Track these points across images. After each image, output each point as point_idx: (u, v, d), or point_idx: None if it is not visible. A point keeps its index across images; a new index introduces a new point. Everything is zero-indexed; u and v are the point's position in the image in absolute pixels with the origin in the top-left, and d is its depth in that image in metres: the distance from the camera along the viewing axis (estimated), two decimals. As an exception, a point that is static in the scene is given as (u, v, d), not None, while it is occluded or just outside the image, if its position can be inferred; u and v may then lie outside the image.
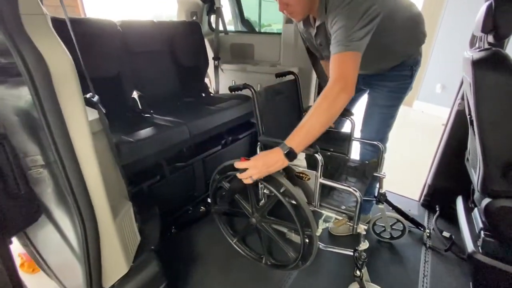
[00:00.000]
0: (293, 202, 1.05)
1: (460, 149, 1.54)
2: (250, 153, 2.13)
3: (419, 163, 2.18)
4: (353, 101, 1.46)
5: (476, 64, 0.95)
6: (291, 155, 0.92)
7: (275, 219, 1.18)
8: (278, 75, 1.42)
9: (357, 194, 0.94)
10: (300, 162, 1.05)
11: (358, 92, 1.40)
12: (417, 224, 1.56)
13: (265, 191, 1.24)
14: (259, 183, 1.14)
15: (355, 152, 1.48)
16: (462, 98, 1.48)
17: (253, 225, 1.24)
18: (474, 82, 0.96)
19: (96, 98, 0.88)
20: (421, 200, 1.88)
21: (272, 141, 1.01)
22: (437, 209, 1.73)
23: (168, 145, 1.43)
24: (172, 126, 1.49)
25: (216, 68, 2.25)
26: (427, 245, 1.52)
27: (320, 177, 1.00)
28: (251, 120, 2.12)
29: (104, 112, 0.91)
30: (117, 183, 0.96)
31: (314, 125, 0.90)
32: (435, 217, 1.69)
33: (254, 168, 0.96)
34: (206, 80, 2.36)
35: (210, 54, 2.26)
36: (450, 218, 1.68)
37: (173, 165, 1.52)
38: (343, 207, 1.04)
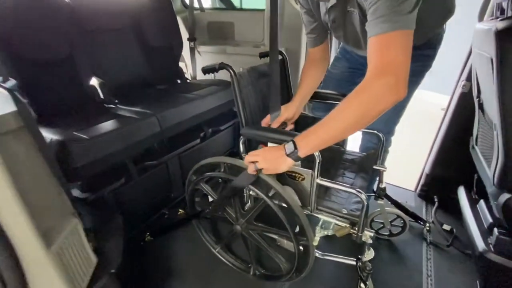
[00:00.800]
0: (285, 205, 0.87)
1: (462, 136, 1.41)
2: (235, 146, 1.92)
3: (413, 151, 2.06)
4: (354, 83, 1.27)
5: (503, 35, 0.78)
6: (290, 147, 0.75)
7: (264, 226, 0.99)
8: (263, 55, 1.21)
9: (363, 196, 0.77)
10: (293, 159, 0.86)
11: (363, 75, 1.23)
12: (418, 219, 1.44)
13: (251, 192, 1.04)
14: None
15: (351, 143, 1.31)
16: (467, 79, 1.33)
17: (237, 233, 1.05)
18: (499, 57, 0.79)
19: (10, 84, 0.63)
20: (417, 191, 1.77)
21: (258, 134, 0.81)
22: (436, 200, 1.62)
23: (134, 141, 1.20)
24: (139, 118, 1.25)
25: (192, 50, 1.99)
26: (428, 240, 1.41)
27: (317, 177, 0.81)
28: (233, 108, 1.90)
29: (27, 102, 0.67)
30: (56, 197, 0.73)
31: (336, 126, 0.70)
32: (434, 209, 1.58)
33: (265, 162, 0.80)
34: (182, 64, 2.09)
35: (185, 34, 1.98)
36: (450, 209, 1.58)
37: (142, 164, 1.29)
38: (344, 211, 0.87)
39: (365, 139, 1.30)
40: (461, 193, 1.44)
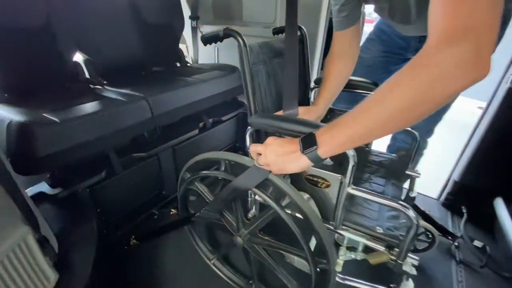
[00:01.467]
0: (299, 215, 0.67)
1: (505, 139, 1.20)
2: (238, 140, 1.72)
3: (438, 154, 1.85)
4: (388, 72, 1.06)
5: None
6: (307, 141, 0.54)
7: (272, 240, 0.79)
8: (277, 31, 0.99)
9: (412, 214, 0.57)
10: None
11: (402, 61, 1.01)
12: (446, 233, 1.24)
13: (257, 197, 0.85)
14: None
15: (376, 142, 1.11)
16: (518, 72, 1.12)
17: (238, 245, 0.86)
18: None
19: None
20: (441, 199, 1.56)
21: (271, 123, 0.60)
22: (464, 211, 1.42)
23: (117, 128, 1.00)
24: (125, 102, 1.05)
25: (194, 30, 1.77)
26: (458, 259, 1.21)
27: (349, 185, 0.61)
28: (238, 97, 1.70)
29: None
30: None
31: (378, 116, 0.46)
32: (463, 221, 1.38)
33: (270, 157, 0.60)
34: (182, 46, 1.88)
35: (186, 12, 1.76)
36: (481, 223, 1.38)
37: (128, 156, 1.09)
38: (379, 230, 0.67)
39: (396, 138, 1.09)
40: (499, 205, 1.24)
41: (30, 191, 0.90)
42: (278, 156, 0.58)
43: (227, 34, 0.66)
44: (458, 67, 0.40)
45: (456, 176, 1.46)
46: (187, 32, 1.83)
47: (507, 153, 1.19)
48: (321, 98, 0.87)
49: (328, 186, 0.65)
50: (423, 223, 1.14)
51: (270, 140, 0.61)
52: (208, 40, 0.69)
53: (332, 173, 0.63)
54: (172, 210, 1.31)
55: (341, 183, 0.62)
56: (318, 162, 0.54)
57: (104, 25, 1.37)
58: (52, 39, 1.17)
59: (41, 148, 0.81)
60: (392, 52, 0.99)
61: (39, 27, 1.12)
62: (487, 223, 1.34)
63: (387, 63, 1.01)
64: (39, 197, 0.87)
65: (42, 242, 0.64)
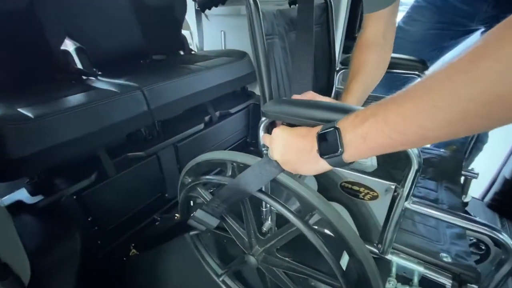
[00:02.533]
0: (330, 233, 0.50)
1: None
2: (249, 135, 1.54)
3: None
4: (440, 48, 0.84)
5: None
6: (329, 142, 0.35)
7: (294, 261, 0.62)
8: (293, 1, 0.81)
9: (509, 242, 0.38)
10: (363, 159, 0.47)
11: (462, 34, 0.79)
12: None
13: (273, 208, 0.67)
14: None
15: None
16: None
17: (251, 266, 0.69)
18: None
19: None
20: (486, 199, 1.34)
21: (291, 111, 0.43)
22: (518, 214, 1.20)
23: (107, 124, 0.85)
24: (117, 93, 0.89)
25: (198, 13, 1.60)
26: (515, 274, 1.00)
27: (408, 198, 0.43)
28: (248, 88, 1.52)
29: None
30: None
31: (436, 100, 0.25)
32: (518, 227, 1.16)
33: (282, 150, 0.43)
34: (186, 33, 1.71)
35: (189, -7, 1.59)
36: (540, 228, 1.16)
37: (122, 156, 0.95)
38: (446, 257, 0.48)
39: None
40: None
41: (6, 199, 0.77)
42: (288, 152, 0.42)
43: (231, -9, 0.49)
44: None
45: (506, 173, 1.23)
46: (190, 17, 1.66)
47: None
48: (351, 94, 0.61)
49: (374, 197, 0.47)
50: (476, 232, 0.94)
51: (277, 131, 0.43)
52: (206, 3, 0.51)
53: (383, 181, 0.44)
54: (176, 215, 1.16)
55: (394, 195, 0.44)
56: (341, 166, 0.37)
57: (96, 9, 1.22)
58: (36, 24, 1.03)
59: (13, 150, 0.67)
60: (450, 23, 0.77)
61: (21, 10, 0.98)
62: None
63: (441, 38, 0.80)
64: (15, 207, 0.74)
65: (0, 273, 0.49)
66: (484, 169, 1.32)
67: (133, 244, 1.03)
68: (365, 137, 0.32)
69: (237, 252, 0.79)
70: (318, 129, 0.38)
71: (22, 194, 0.78)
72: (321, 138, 0.36)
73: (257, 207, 0.70)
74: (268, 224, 0.71)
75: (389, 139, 0.30)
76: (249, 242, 0.68)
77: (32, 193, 0.78)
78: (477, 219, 0.41)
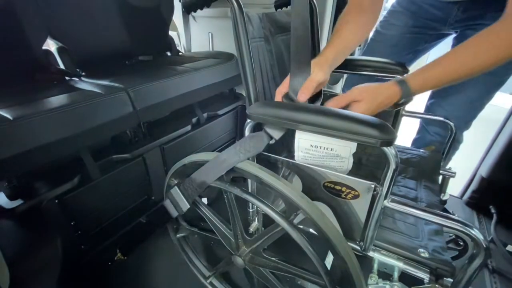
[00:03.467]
0: (314, 232, 0.51)
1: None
2: (237, 137, 1.55)
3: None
4: (415, 52, 0.88)
5: None
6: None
7: (280, 261, 0.63)
8: (280, 4, 0.82)
9: (479, 237, 0.40)
10: (339, 161, 0.49)
11: (435, 38, 0.84)
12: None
13: (259, 209, 0.68)
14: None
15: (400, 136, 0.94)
16: None
17: (238, 266, 0.70)
18: None
19: None
20: (465, 197, 1.40)
21: (278, 114, 0.43)
22: (493, 211, 1.26)
23: (90, 126, 0.83)
24: (101, 94, 0.88)
25: (185, 15, 1.59)
26: (490, 268, 1.05)
27: (386, 196, 0.45)
28: (236, 89, 1.52)
29: None
30: None
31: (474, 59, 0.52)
32: (493, 223, 1.22)
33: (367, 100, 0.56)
34: (174, 34, 1.70)
35: (176, -6, 1.58)
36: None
37: (107, 158, 0.93)
38: (423, 253, 0.50)
39: (428, 130, 0.92)
40: (539, 206, 1.08)
41: (-17, 204, 0.74)
42: (377, 96, 0.56)
43: (216, -7, 0.49)
44: None
45: (483, 172, 1.29)
46: (177, 18, 1.65)
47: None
48: (331, 48, 0.63)
49: (355, 196, 0.49)
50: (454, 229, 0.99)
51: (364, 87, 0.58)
52: (192, 4, 0.52)
53: (363, 180, 0.46)
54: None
55: (374, 193, 0.46)
56: (407, 96, 0.58)
57: (80, 8, 1.19)
58: (16, 23, 1.00)
59: (-6, 152, 0.65)
60: (424, 27, 0.81)
61: (-2, 8, 0.94)
62: (521, 225, 1.19)
63: (416, 41, 0.83)
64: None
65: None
66: (463, 169, 1.39)
67: (118, 248, 1.01)
68: (424, 77, 0.56)
69: (224, 254, 0.79)
70: (395, 84, 0.57)
71: None
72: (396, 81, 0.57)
73: (244, 208, 0.71)
74: (255, 225, 0.72)
75: (439, 79, 0.56)
76: (236, 243, 0.68)
77: (11, 197, 0.75)
78: (452, 216, 0.43)
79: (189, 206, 0.66)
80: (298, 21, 0.54)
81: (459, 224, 0.41)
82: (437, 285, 0.46)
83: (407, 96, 0.57)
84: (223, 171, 0.55)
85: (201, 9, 0.53)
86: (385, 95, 0.56)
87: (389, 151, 0.40)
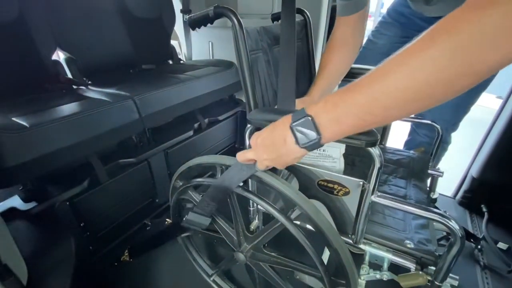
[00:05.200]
0: (310, 228, 0.56)
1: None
2: (237, 141, 1.60)
3: (452, 148, 1.75)
4: None
5: None
6: (306, 132, 0.39)
7: (279, 256, 0.68)
8: (276, 17, 0.89)
9: (455, 226, 0.45)
10: (331, 162, 0.54)
11: None
12: (469, 236, 1.13)
13: (259, 206, 0.73)
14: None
15: (391, 138, 1.00)
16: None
17: (240, 262, 0.74)
18: None
19: None
20: (458, 197, 1.45)
21: (274, 119, 0.49)
22: (485, 210, 1.30)
23: (100, 132, 0.88)
24: (109, 102, 0.93)
25: (186, 25, 1.66)
26: (482, 264, 1.10)
27: (373, 192, 0.50)
28: (236, 95, 1.58)
29: None
30: None
31: (397, 82, 0.32)
32: (484, 221, 1.27)
33: (254, 147, 0.49)
34: (175, 43, 1.76)
35: (177, 6, 1.65)
36: (504, 222, 1.27)
37: (114, 162, 0.98)
38: (409, 244, 0.55)
39: (417, 132, 0.98)
40: (526, 203, 1.13)
41: (0, 206, 0.79)
42: (271, 151, 0.46)
43: (219, 13, 0.55)
44: (507, 27, 0.26)
45: (474, 172, 1.34)
46: (179, 28, 1.72)
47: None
48: (316, 88, 0.72)
49: (346, 193, 0.54)
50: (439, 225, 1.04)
51: (257, 134, 0.49)
52: (196, 22, 0.57)
53: (352, 178, 0.51)
54: (167, 219, 1.20)
55: (363, 190, 0.51)
56: (318, 148, 0.41)
57: (86, 20, 1.25)
58: (27, 35, 1.06)
59: (9, 158, 0.70)
60: (413, 37, 0.88)
61: (11, 22, 1.00)
62: (511, 222, 1.23)
63: None
64: (9, 214, 0.76)
65: (2, 274, 0.52)
66: (456, 169, 1.44)
67: (127, 250, 1.05)
68: (339, 120, 0.37)
69: (226, 253, 0.83)
70: (289, 120, 0.41)
71: (14, 201, 0.80)
72: (296, 129, 0.40)
73: (245, 208, 0.76)
74: (255, 223, 0.76)
75: (360, 120, 0.36)
76: (238, 240, 0.73)
77: (26, 199, 0.80)
78: (431, 208, 0.48)
79: (210, 220, 0.70)
80: (285, 53, 0.59)
81: (438, 216, 0.46)
82: (421, 272, 0.51)
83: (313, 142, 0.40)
84: (244, 178, 0.57)
85: (205, 25, 0.59)
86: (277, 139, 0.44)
87: (374, 151, 0.45)
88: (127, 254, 1.06)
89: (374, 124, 0.37)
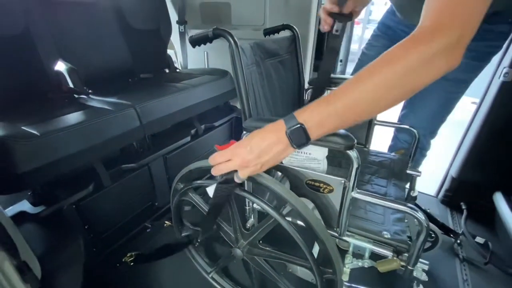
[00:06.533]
0: (300, 223, 0.64)
1: (502, 134, 1.20)
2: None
3: (434, 150, 1.85)
4: None
5: None
6: (299, 136, 0.49)
7: (273, 250, 0.75)
8: (268, 32, 0.97)
9: (421, 217, 0.53)
10: (316, 163, 0.62)
11: None
12: (448, 231, 1.21)
13: (255, 205, 0.80)
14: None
15: (375, 141, 1.08)
16: (511, 66, 1.12)
17: (238, 258, 0.81)
18: None
19: None
20: (440, 196, 1.55)
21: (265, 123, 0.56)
22: (464, 207, 1.40)
23: (104, 139, 0.94)
24: (112, 111, 0.99)
25: (182, 35, 1.74)
26: (461, 257, 1.19)
27: (353, 189, 0.58)
28: (231, 102, 1.66)
29: None
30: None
31: (363, 96, 0.45)
32: (463, 218, 1.36)
33: (238, 156, 0.54)
34: (171, 52, 1.83)
35: (173, 17, 1.72)
36: (481, 218, 1.37)
37: (116, 167, 1.03)
38: (387, 235, 0.63)
39: (398, 138, 1.07)
40: (499, 200, 1.23)
41: (9, 210, 0.84)
42: (259, 153, 0.52)
43: (217, 34, 0.62)
44: (439, 55, 0.41)
45: (453, 172, 1.45)
46: (175, 38, 1.79)
47: (503, 147, 1.19)
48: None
49: (331, 191, 0.61)
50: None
51: (237, 144, 0.56)
52: (196, 41, 0.65)
53: (335, 177, 0.59)
54: (166, 222, 1.25)
55: (344, 187, 0.59)
56: (302, 143, 0.50)
57: (87, 32, 1.32)
58: (31, 47, 1.11)
59: (20, 164, 0.75)
60: None
61: (17, 35, 1.06)
62: (487, 218, 1.33)
63: None
64: (20, 217, 0.81)
65: (22, 269, 0.58)
66: (441, 170, 1.54)
67: (128, 255, 1.09)
68: (323, 125, 0.48)
69: (224, 251, 0.89)
70: (282, 126, 0.50)
71: (24, 205, 0.85)
72: (290, 134, 0.49)
73: (242, 207, 0.82)
74: (251, 221, 0.83)
75: (338, 125, 0.49)
76: (235, 237, 0.80)
77: (35, 203, 0.84)
78: (402, 202, 0.56)
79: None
80: None
81: (407, 208, 0.54)
82: (395, 258, 0.59)
83: (301, 140, 0.49)
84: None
85: (204, 44, 0.66)
86: (269, 141, 0.51)
87: (352, 153, 0.53)
88: (129, 256, 1.10)
89: (349, 125, 0.49)
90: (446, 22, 0.41)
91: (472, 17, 0.41)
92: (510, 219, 1.10)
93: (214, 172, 0.60)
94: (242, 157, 0.53)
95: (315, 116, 0.48)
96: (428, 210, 1.19)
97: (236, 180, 0.58)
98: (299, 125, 0.48)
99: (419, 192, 1.56)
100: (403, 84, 0.43)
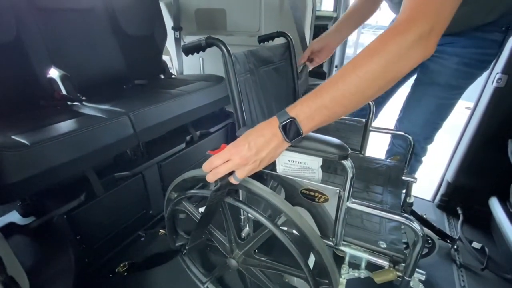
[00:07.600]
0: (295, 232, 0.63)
1: (496, 139, 1.20)
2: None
3: (430, 155, 1.85)
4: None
5: None
6: (291, 130, 0.52)
7: (268, 260, 0.73)
8: (262, 39, 0.97)
9: (417, 227, 0.53)
10: (311, 172, 0.61)
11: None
12: (445, 236, 1.21)
13: (249, 215, 0.79)
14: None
15: (371, 148, 1.08)
16: (504, 72, 1.13)
17: (233, 268, 0.79)
18: None
19: None
20: (436, 201, 1.55)
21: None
22: (460, 212, 1.40)
23: (96, 147, 0.92)
24: (105, 119, 0.98)
25: (177, 41, 1.73)
26: (458, 263, 1.18)
27: (348, 199, 0.57)
28: (226, 108, 1.65)
29: None
30: None
31: (349, 88, 0.48)
32: (459, 223, 1.36)
33: (237, 155, 0.55)
34: (166, 58, 1.83)
35: (169, 23, 1.72)
36: (477, 223, 1.37)
37: (109, 176, 1.02)
38: (383, 244, 0.62)
39: (393, 143, 1.06)
40: (495, 205, 1.23)
41: (-2, 222, 0.82)
42: (257, 151, 0.53)
43: (210, 43, 0.62)
44: (413, 45, 0.45)
45: (449, 177, 1.45)
46: (170, 44, 1.79)
47: (497, 152, 1.19)
48: (337, 23, 0.98)
49: (326, 200, 0.60)
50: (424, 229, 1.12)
51: (232, 144, 0.57)
52: (189, 50, 0.64)
53: (330, 187, 0.58)
54: (160, 230, 1.23)
55: (339, 197, 0.58)
56: (295, 136, 0.53)
57: (80, 38, 1.30)
58: (23, 54, 1.10)
59: (9, 175, 0.73)
60: None
61: (8, 42, 1.04)
62: (483, 223, 1.33)
63: None
64: (8, 229, 0.78)
65: (8, 285, 0.56)
66: (438, 175, 1.54)
67: (126, 266, 1.07)
68: (313, 118, 0.51)
69: (219, 260, 0.88)
70: (276, 122, 0.52)
71: (13, 216, 0.83)
72: (283, 128, 0.52)
73: (236, 217, 0.81)
74: (246, 230, 0.82)
75: (328, 117, 0.51)
76: (230, 247, 0.78)
77: (24, 214, 0.82)
78: (398, 212, 0.55)
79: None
80: None
81: (403, 219, 0.53)
82: (391, 269, 0.58)
83: (295, 133, 0.52)
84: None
85: (197, 53, 0.65)
86: (264, 138, 0.53)
87: (346, 163, 0.52)
88: (122, 266, 1.08)
89: (339, 116, 0.52)
90: (420, 14, 0.45)
91: (443, 9, 0.45)
92: (506, 224, 1.10)
93: (210, 177, 0.59)
94: (241, 155, 0.54)
95: (305, 109, 0.51)
96: (424, 215, 1.19)
97: (233, 181, 0.58)
98: (291, 119, 0.51)
99: (415, 197, 1.57)
100: (385, 74, 0.47)
